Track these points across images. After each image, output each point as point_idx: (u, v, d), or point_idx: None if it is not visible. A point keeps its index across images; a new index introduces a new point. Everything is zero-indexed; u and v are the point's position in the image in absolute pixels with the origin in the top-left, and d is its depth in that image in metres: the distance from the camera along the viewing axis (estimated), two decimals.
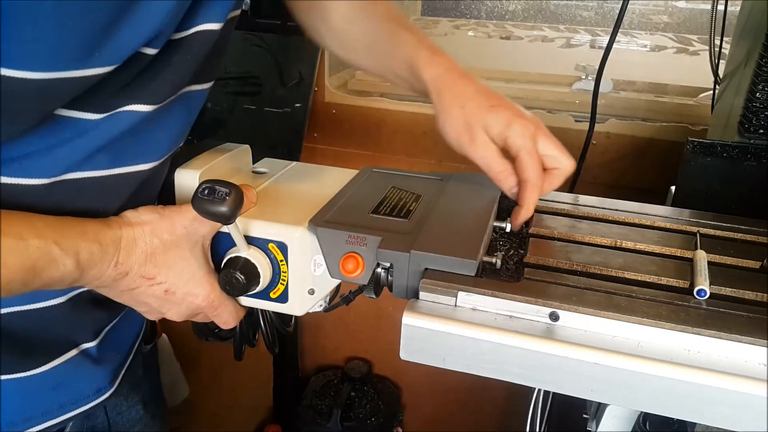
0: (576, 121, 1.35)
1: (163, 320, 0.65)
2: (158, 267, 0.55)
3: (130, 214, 0.55)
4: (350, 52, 0.73)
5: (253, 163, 0.73)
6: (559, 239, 0.63)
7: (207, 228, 0.57)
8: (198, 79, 0.57)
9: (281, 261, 0.59)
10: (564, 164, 0.63)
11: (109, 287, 0.54)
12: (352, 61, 0.74)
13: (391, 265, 0.55)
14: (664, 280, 0.56)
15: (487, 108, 0.62)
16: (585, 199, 0.74)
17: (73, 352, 0.61)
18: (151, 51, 0.48)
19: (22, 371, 0.58)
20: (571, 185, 1.12)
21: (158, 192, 0.61)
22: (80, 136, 0.49)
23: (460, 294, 0.50)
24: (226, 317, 0.61)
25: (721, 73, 1.01)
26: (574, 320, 0.49)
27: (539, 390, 0.87)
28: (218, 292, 0.59)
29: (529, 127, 0.61)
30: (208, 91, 0.60)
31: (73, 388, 0.62)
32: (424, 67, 0.65)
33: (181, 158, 0.63)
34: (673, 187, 0.84)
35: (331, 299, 0.66)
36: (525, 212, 0.62)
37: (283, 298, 0.61)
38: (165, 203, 0.62)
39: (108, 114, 0.50)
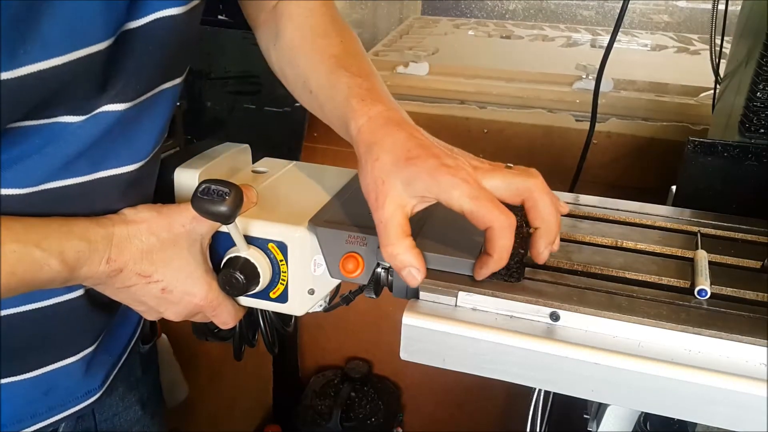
0: (576, 120, 1.35)
1: (163, 320, 0.65)
2: (155, 265, 0.55)
3: (127, 212, 0.55)
4: (293, 88, 0.66)
5: (253, 163, 0.73)
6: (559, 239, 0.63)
7: (206, 227, 0.57)
8: (172, 72, 0.56)
9: (281, 261, 0.59)
10: (526, 184, 0.51)
11: (105, 284, 0.54)
12: (297, 99, 0.66)
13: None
14: (664, 280, 0.56)
15: (404, 161, 0.50)
16: (585, 198, 0.74)
17: (72, 359, 0.61)
18: (101, 45, 0.45)
19: (18, 374, 0.58)
20: (572, 185, 1.12)
21: (152, 192, 0.61)
22: (56, 142, 0.48)
23: (460, 294, 0.50)
24: (225, 317, 0.61)
25: (721, 72, 1.01)
26: (574, 320, 0.49)
27: (539, 390, 0.87)
28: (216, 291, 0.59)
29: (460, 172, 0.49)
30: (182, 84, 0.59)
31: (64, 390, 0.62)
32: (352, 119, 0.55)
33: (181, 158, 0.63)
34: (673, 187, 0.83)
35: (331, 299, 0.66)
36: (492, 265, 0.50)
37: (283, 298, 0.61)
38: (165, 202, 0.62)
39: (89, 116, 0.49)
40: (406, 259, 0.50)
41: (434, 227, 0.59)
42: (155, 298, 0.57)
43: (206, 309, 0.59)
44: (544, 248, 0.52)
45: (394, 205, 0.51)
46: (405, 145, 0.51)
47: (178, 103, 1.17)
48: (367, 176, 0.53)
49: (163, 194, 0.62)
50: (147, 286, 0.55)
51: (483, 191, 0.49)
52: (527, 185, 0.51)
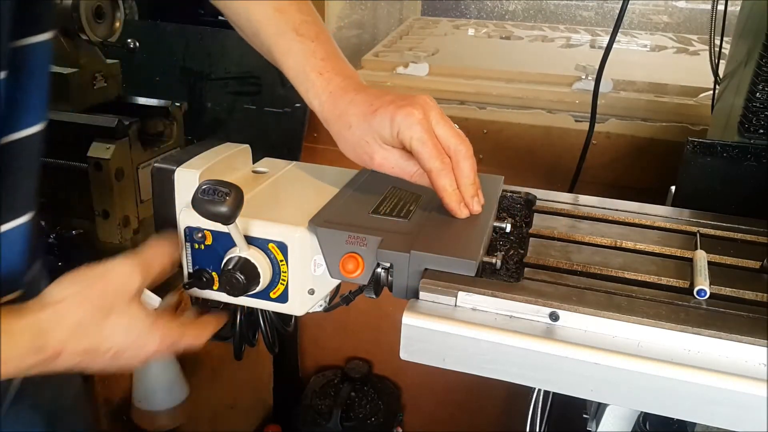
0: (576, 121, 1.35)
1: None
2: (96, 336, 0.51)
3: (53, 291, 0.51)
4: (235, 22, 0.68)
5: (253, 163, 0.73)
6: (559, 239, 0.63)
7: (138, 280, 0.54)
8: (25, 30, 0.52)
9: (281, 261, 0.59)
10: (457, 148, 0.59)
11: (49, 370, 0.50)
12: (239, 32, 0.69)
13: (391, 265, 0.55)
14: (664, 280, 0.56)
15: (370, 115, 0.59)
16: (585, 199, 0.74)
17: None
18: None
19: None
20: (571, 185, 1.12)
21: (34, 175, 0.57)
22: None
23: (460, 294, 0.50)
24: (191, 341, 0.58)
25: (721, 73, 1.01)
26: (574, 320, 0.49)
27: (539, 390, 0.87)
28: (168, 331, 0.56)
29: (414, 114, 0.57)
30: (49, 49, 0.55)
31: None
32: (314, 96, 0.62)
33: (181, 158, 0.63)
34: (673, 187, 0.84)
35: (331, 299, 0.66)
36: (448, 200, 0.59)
37: (283, 298, 0.61)
38: (164, 201, 0.62)
39: None
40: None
41: (434, 227, 0.59)
42: (110, 362, 0.53)
43: (166, 351, 0.56)
44: (456, 205, 0.60)
45: (384, 153, 0.60)
46: (366, 101, 0.60)
47: (178, 104, 1.17)
48: (349, 146, 0.61)
49: (164, 194, 0.62)
50: (95, 360, 0.52)
51: (431, 137, 0.58)
52: (458, 148, 0.59)
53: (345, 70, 0.63)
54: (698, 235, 0.64)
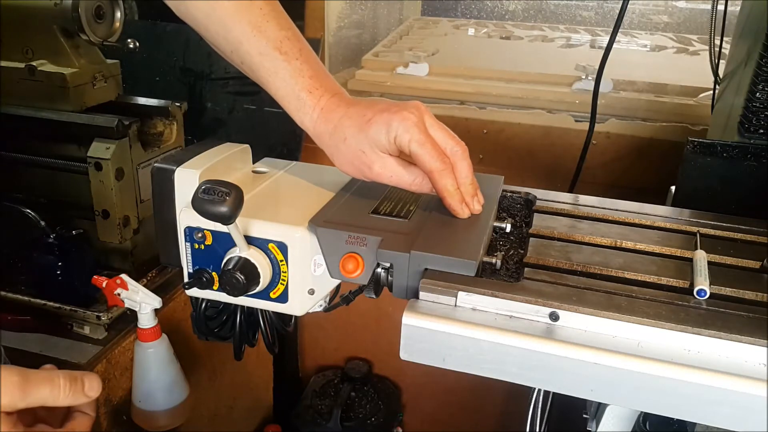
0: (576, 121, 1.35)
1: (163, 319, 0.64)
2: None
3: None
4: (212, 38, 0.66)
5: (253, 163, 0.73)
6: (559, 239, 0.63)
7: (8, 398, 0.47)
8: None
9: (281, 261, 0.59)
10: (454, 149, 0.60)
11: None
12: (213, 45, 0.67)
13: (391, 265, 0.55)
14: (664, 280, 0.56)
15: (365, 125, 0.59)
16: (585, 199, 0.74)
17: None
18: None
19: None
20: (571, 185, 1.12)
21: None
22: None
23: (460, 294, 0.50)
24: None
25: (721, 72, 1.01)
26: (574, 320, 0.49)
27: (539, 390, 0.87)
28: None
29: (410, 118, 0.58)
30: None
31: None
32: (305, 114, 0.63)
33: (181, 158, 0.63)
34: (673, 187, 0.84)
35: (331, 299, 0.66)
36: (450, 200, 0.60)
37: (283, 298, 0.61)
38: (164, 201, 0.62)
39: None
40: (428, 183, 0.60)
41: (434, 227, 0.59)
42: None
43: None
44: (458, 205, 0.61)
45: (382, 161, 0.60)
46: (359, 112, 0.60)
47: (178, 104, 1.17)
48: (346, 159, 0.61)
49: (164, 194, 0.62)
50: None
51: (429, 138, 0.59)
52: (455, 149, 0.60)
53: (333, 86, 0.64)
54: (698, 235, 0.64)
